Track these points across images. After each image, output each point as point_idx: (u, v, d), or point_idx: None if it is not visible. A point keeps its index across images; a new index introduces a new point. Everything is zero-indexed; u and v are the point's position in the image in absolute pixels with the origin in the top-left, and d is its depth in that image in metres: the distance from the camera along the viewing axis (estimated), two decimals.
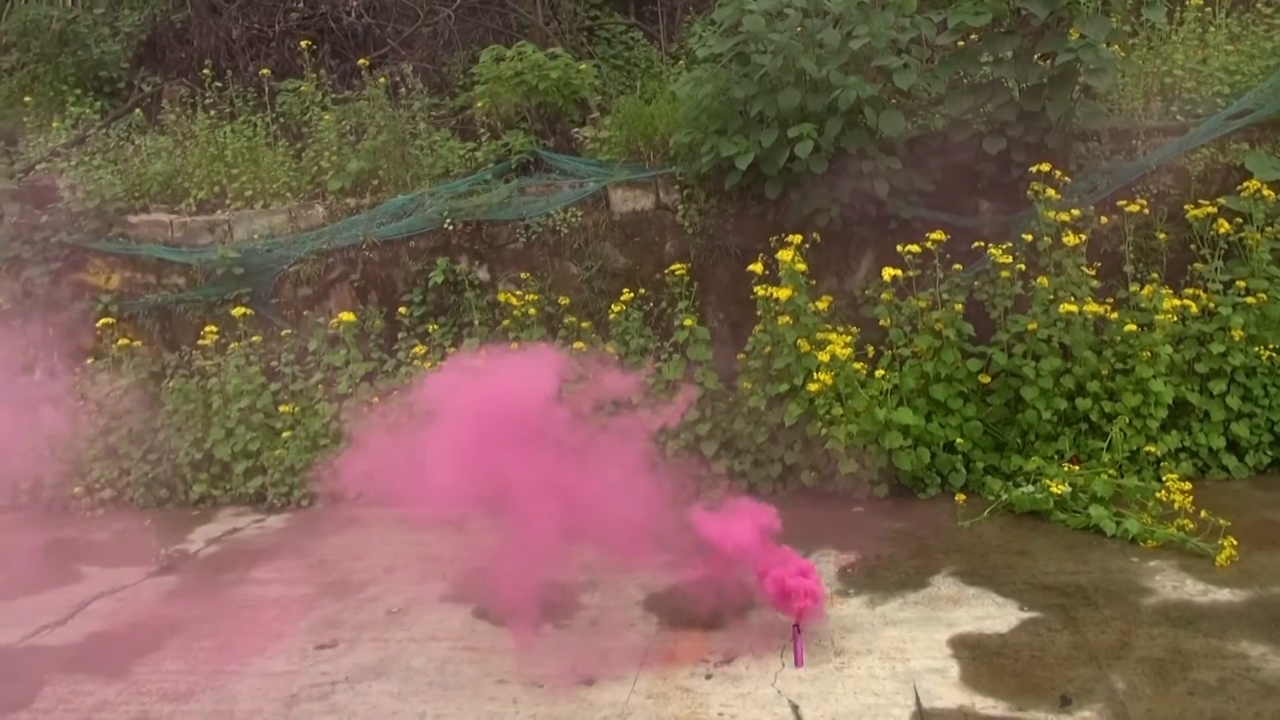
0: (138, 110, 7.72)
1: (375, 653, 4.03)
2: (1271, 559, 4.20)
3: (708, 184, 6.04)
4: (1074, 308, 5.07)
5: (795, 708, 3.41)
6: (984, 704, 3.32)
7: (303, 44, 7.40)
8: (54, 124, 7.64)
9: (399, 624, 4.29)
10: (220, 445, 6.11)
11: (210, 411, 6.19)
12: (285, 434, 6.03)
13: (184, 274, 6.68)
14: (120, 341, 6.46)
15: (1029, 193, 5.39)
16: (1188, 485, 4.54)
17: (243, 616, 4.51)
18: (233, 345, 6.29)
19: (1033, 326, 5.15)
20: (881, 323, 5.41)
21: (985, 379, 5.33)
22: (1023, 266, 5.33)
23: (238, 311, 6.29)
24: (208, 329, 6.32)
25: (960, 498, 4.99)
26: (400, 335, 6.29)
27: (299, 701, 3.69)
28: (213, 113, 7.21)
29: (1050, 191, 5.28)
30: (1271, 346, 5.09)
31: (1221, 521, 4.28)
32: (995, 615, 3.94)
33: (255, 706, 3.68)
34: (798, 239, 5.42)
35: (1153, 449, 4.99)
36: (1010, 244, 5.41)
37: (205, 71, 7.48)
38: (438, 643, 4.09)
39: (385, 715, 3.56)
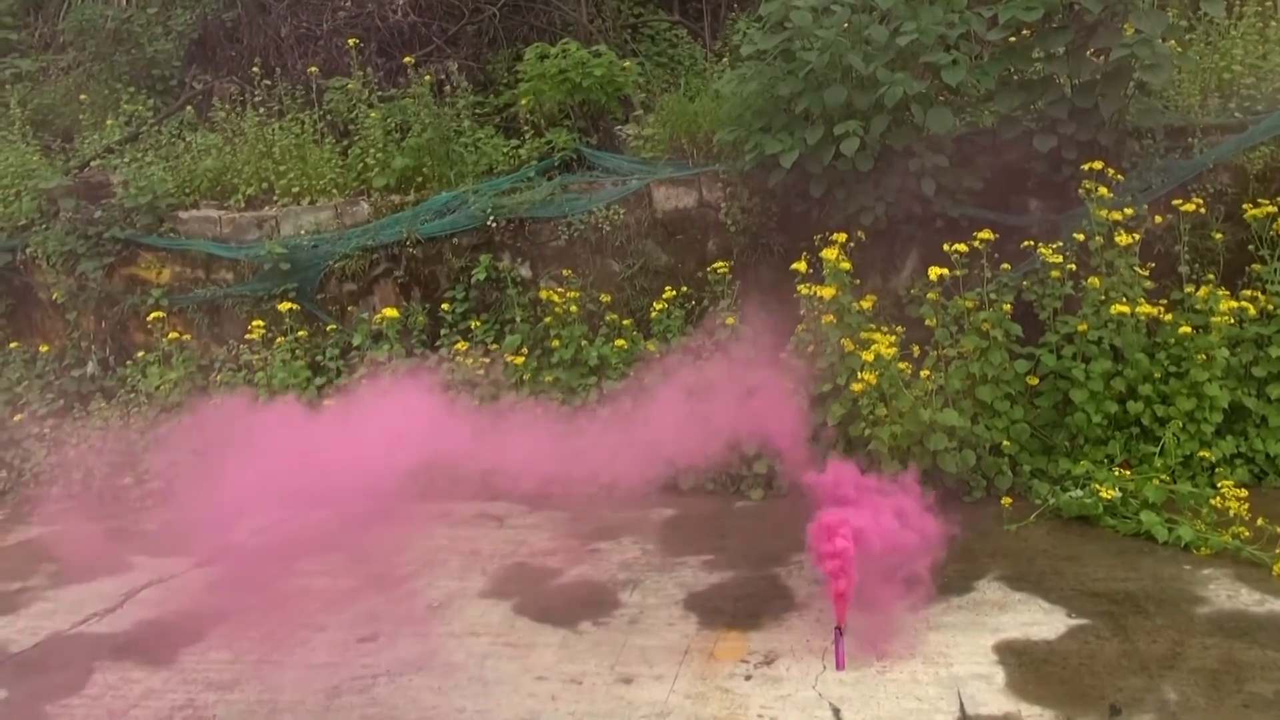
0: (189, 108, 7.86)
1: (415, 647, 4.06)
2: None
3: (751, 182, 6.00)
4: (1126, 309, 4.95)
5: (836, 711, 3.37)
6: (1030, 711, 3.26)
7: (350, 42, 7.47)
8: (108, 121, 7.80)
9: (439, 618, 4.32)
10: None
11: (257, 405, 6.26)
12: None
13: (232, 269, 6.79)
14: (170, 335, 6.58)
15: (1080, 191, 5.28)
16: (1243, 492, 4.42)
17: (286, 608, 4.55)
18: (279, 340, 6.37)
19: (1083, 328, 5.04)
20: (927, 322, 5.34)
21: (1033, 381, 5.23)
22: (1073, 266, 5.22)
23: (284, 306, 6.38)
24: (255, 323, 6.41)
25: (1006, 501, 4.90)
26: (443, 331, 6.33)
27: (340, 694, 3.73)
28: (261, 110, 7.32)
29: (1103, 190, 5.17)
30: None
31: (1279, 530, 4.16)
32: (1042, 621, 3.86)
33: (298, 697, 3.72)
34: (842, 237, 5.36)
35: (1207, 454, 4.87)
36: (1060, 243, 5.31)
37: (255, 69, 7.59)
38: (477, 638, 4.10)
39: (425, 709, 3.58)
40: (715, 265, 5.92)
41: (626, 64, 7.09)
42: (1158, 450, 4.91)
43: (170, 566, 5.16)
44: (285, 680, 3.86)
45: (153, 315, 6.65)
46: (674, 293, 5.99)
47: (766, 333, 5.51)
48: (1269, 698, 3.22)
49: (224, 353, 6.64)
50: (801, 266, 5.34)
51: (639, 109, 6.97)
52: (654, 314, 5.95)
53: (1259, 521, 4.22)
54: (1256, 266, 5.29)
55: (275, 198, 6.91)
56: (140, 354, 6.67)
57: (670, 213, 6.27)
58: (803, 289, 5.28)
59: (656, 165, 6.37)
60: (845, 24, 5.45)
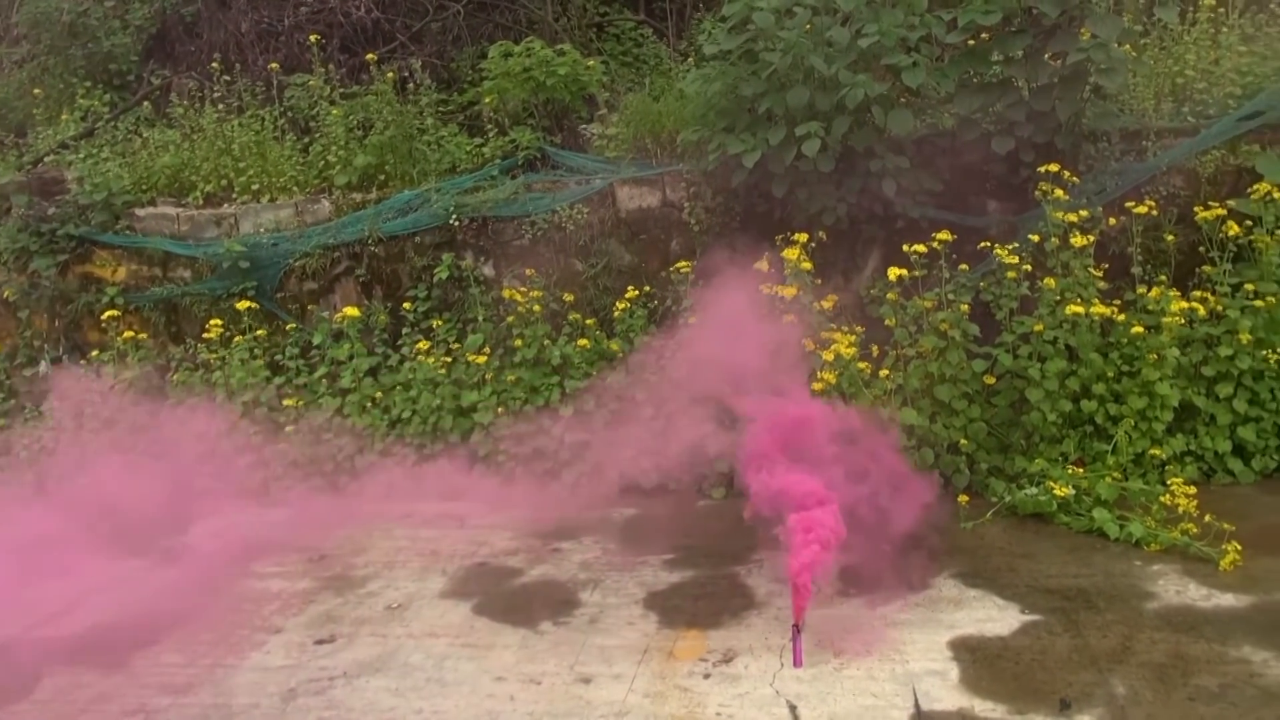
0: (146, 103, 7.75)
1: (374, 648, 4.03)
2: (1276, 564, 4.16)
3: (714, 181, 6.02)
4: (1080, 309, 5.03)
5: (793, 708, 3.39)
6: (983, 707, 3.30)
7: (311, 38, 7.40)
8: (63, 116, 7.68)
9: (398, 619, 4.29)
10: (223, 438, 6.11)
11: (214, 405, 6.19)
12: (289, 428, 6.03)
13: (190, 267, 6.71)
14: (126, 334, 6.48)
15: (1037, 193, 5.35)
16: (1193, 489, 4.50)
17: (242, 610, 4.51)
18: (237, 339, 6.30)
19: (1039, 328, 5.11)
20: (887, 322, 5.38)
21: (990, 380, 5.30)
22: (1029, 267, 5.29)
23: (242, 305, 6.31)
24: (213, 322, 6.33)
25: (963, 499, 4.96)
26: (405, 331, 6.29)
27: (297, 696, 3.69)
28: (221, 106, 7.23)
29: (1058, 192, 5.24)
30: (1279, 350, 5.04)
31: (1226, 526, 4.24)
32: (996, 618, 3.91)
33: (253, 700, 3.69)
34: (803, 237, 5.40)
35: (1158, 452, 4.95)
36: (1017, 244, 5.38)
37: (214, 65, 7.50)
38: (436, 639, 4.08)
39: (382, 711, 3.56)
40: (679, 264, 5.94)
41: (591, 63, 7.09)
42: (1110, 448, 4.99)
43: (124, 568, 5.08)
44: (240, 683, 3.82)
45: (108, 314, 6.55)
46: (637, 292, 6.00)
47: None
48: (1214, 691, 3.29)
49: (181, 352, 6.55)
50: (763, 266, 5.36)
51: (603, 108, 6.97)
52: (617, 313, 5.95)
53: (1207, 518, 4.30)
54: (1207, 268, 5.39)
55: (234, 195, 6.83)
56: (95, 353, 6.57)
57: (634, 212, 6.27)
58: (764, 289, 5.31)
59: (620, 164, 6.37)
60: (807, 25, 5.49)
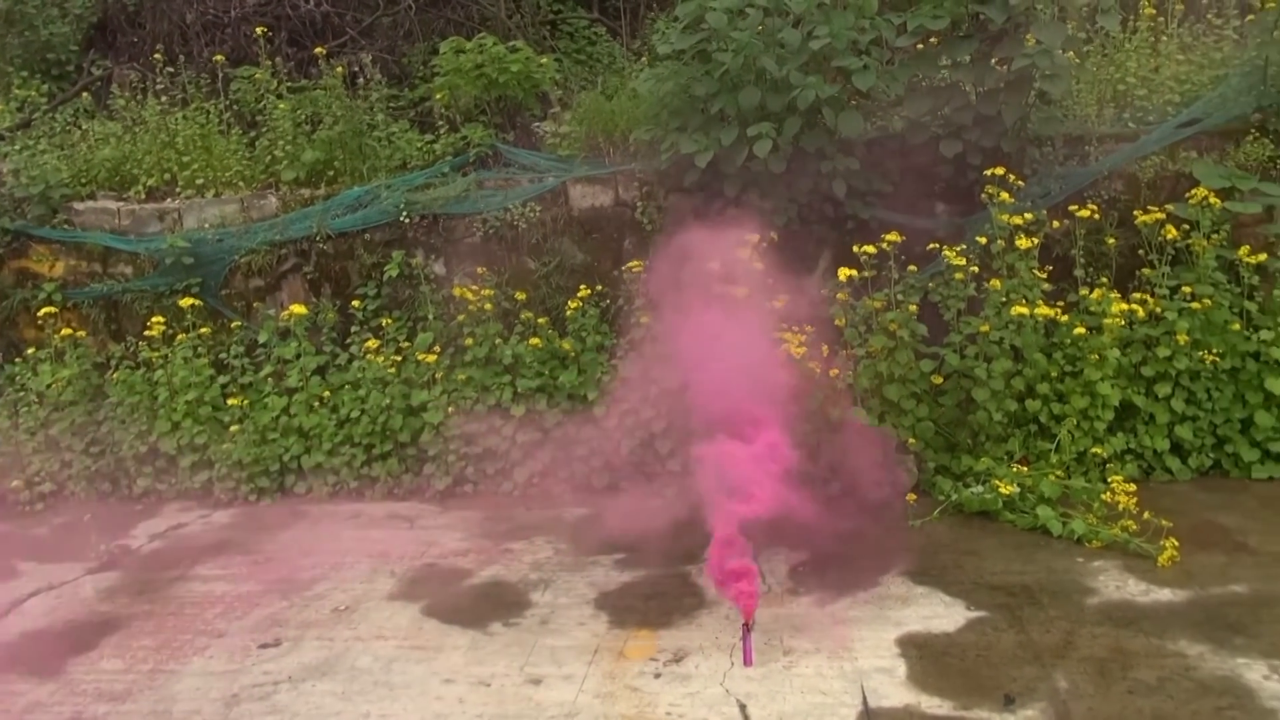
0: (86, 94, 7.54)
1: (320, 652, 3.97)
2: (1212, 559, 4.28)
3: (667, 181, 6.02)
4: (1025, 310, 5.12)
5: (743, 707, 3.41)
6: (930, 703, 3.35)
7: (258, 31, 7.26)
8: None
9: (345, 622, 4.23)
10: (166, 438, 5.97)
11: (156, 404, 6.05)
12: (234, 428, 5.92)
13: (131, 263, 6.53)
14: (63, 331, 6.30)
15: (984, 196, 5.44)
16: (1132, 487, 4.61)
17: (184, 614, 4.41)
18: (180, 336, 6.15)
19: (985, 328, 5.20)
20: (837, 322, 5.43)
21: (938, 380, 5.37)
22: (976, 269, 5.38)
23: (186, 302, 6.16)
24: (155, 319, 6.18)
25: (911, 497, 5.02)
26: (353, 329, 6.19)
27: (239, 701, 3.62)
28: (164, 99, 7.06)
29: (1004, 195, 5.33)
30: (1215, 351, 5.18)
31: (1164, 522, 4.35)
32: (943, 615, 3.97)
33: (194, 707, 3.61)
34: (755, 238, 5.42)
35: (1099, 450, 5.06)
36: (965, 246, 5.46)
37: (157, 56, 7.32)
38: (384, 641, 4.03)
39: (328, 716, 3.50)
40: (631, 264, 5.93)
41: (544, 60, 7.04)
42: (1054, 447, 5.09)
43: (61, 573, 4.95)
44: (181, 689, 3.74)
45: (44, 310, 6.36)
46: (589, 291, 5.98)
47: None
48: (1152, 684, 3.37)
49: (121, 350, 6.37)
50: (715, 266, 5.37)
51: (556, 106, 6.93)
52: (569, 312, 5.93)
53: (1146, 515, 4.41)
54: (1146, 271, 5.52)
55: (178, 189, 6.67)
56: (31, 351, 6.36)
57: (587, 211, 6.25)
58: (717, 289, 5.31)
59: (573, 163, 6.34)
60: (759, 27, 5.51)
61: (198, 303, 6.24)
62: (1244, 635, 3.64)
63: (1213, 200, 5.32)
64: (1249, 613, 3.81)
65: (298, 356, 6.05)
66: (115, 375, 6.18)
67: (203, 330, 6.24)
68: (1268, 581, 4.05)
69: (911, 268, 5.48)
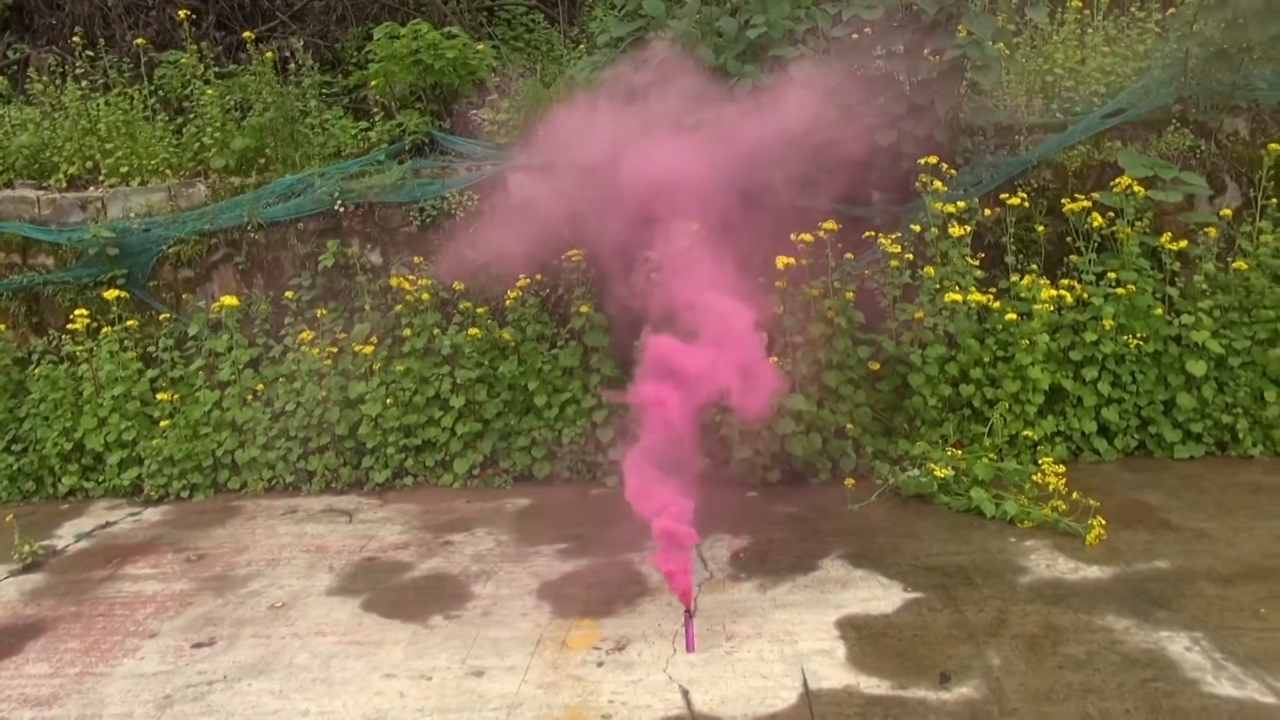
0: (2, 79, 7.24)
1: (256, 650, 3.89)
2: (1137, 537, 4.42)
3: None
4: (959, 297, 5.22)
5: (686, 693, 3.42)
6: (868, 683, 3.40)
7: (182, 14, 7.04)
8: None
9: (282, 619, 4.15)
10: (92, 435, 5.79)
11: (81, 400, 5.87)
12: (164, 423, 5.76)
13: (53, 254, 6.32)
14: None
15: (918, 184, 5.52)
16: (1062, 468, 4.74)
17: (114, 615, 4.29)
18: (105, 330, 5.97)
19: (920, 315, 5.29)
20: (775, 310, 5.47)
21: (875, 366, 5.45)
22: (911, 256, 5.46)
23: (110, 294, 5.98)
24: (78, 312, 5.98)
25: (850, 482, 5.10)
26: (287, 320, 6.07)
27: (173, 703, 3.53)
28: (85, 84, 6.82)
29: (937, 184, 5.42)
30: (1139, 335, 5.35)
31: (1092, 502, 4.48)
32: (881, 596, 4.03)
33: (125, 709, 3.51)
34: (695, 225, 5.42)
35: (1030, 433, 5.19)
36: (900, 234, 5.54)
37: (76, 39, 7.07)
38: (323, 637, 3.97)
39: (265, 714, 3.44)
40: (570, 253, 5.90)
41: (481, 46, 6.96)
42: (987, 430, 5.20)
43: None
44: (111, 692, 3.63)
45: None
46: (528, 280, 5.94)
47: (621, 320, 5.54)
48: (1081, 658, 3.47)
49: (44, 344, 6.17)
50: (653, 255, 5.37)
51: (494, 93, 6.86)
52: (508, 302, 5.88)
53: (1075, 495, 4.53)
54: (1074, 258, 5.66)
55: (101, 178, 6.46)
56: None
57: (525, 199, 6.19)
58: (654, 275, 5.31)
59: (511, 151, 6.28)
60: (697, 15, 5.52)
61: (124, 295, 6.06)
62: (1167, 609, 3.77)
63: (1136, 189, 5.47)
64: (1171, 587, 3.94)
65: (230, 349, 5.91)
66: (37, 370, 5.98)
67: (129, 323, 6.07)
68: (1189, 557, 4.19)
69: (848, 255, 5.55)
